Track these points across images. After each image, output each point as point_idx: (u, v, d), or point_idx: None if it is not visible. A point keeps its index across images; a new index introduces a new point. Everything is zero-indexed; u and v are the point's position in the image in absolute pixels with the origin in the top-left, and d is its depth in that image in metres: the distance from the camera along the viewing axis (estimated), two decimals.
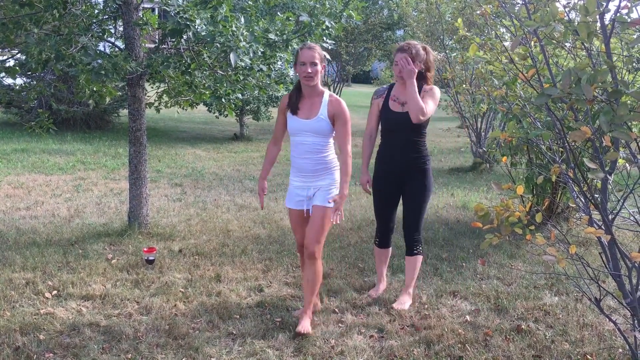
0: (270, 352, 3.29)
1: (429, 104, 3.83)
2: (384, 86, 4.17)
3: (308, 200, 3.57)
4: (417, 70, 3.80)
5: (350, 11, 5.44)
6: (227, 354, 3.27)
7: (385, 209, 4.17)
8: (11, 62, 5.77)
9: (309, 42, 3.90)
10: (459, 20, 3.65)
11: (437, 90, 3.95)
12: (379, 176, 4.13)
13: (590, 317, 3.88)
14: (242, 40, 4.64)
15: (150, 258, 4.58)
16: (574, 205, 5.70)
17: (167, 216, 6.17)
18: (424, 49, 3.93)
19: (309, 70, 3.40)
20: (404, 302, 3.99)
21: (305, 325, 3.50)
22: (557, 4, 2.37)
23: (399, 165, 4.00)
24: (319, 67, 3.43)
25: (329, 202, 3.47)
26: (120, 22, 5.38)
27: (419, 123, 3.84)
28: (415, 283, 4.22)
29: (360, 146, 13.08)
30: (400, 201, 4.15)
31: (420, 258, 4.10)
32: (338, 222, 3.45)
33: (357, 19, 5.53)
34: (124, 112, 13.40)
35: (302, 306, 3.74)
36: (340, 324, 3.69)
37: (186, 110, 6.14)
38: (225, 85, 5.37)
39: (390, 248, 4.34)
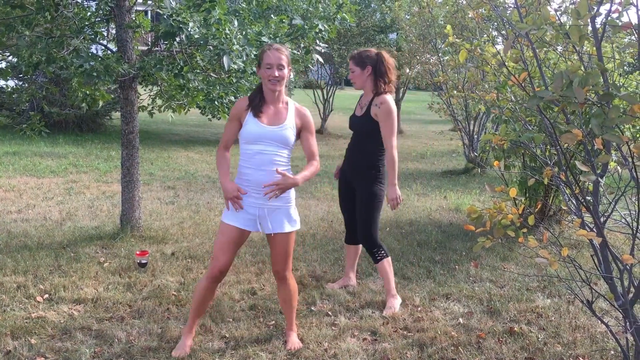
0: (264, 355, 3.28)
1: (386, 129, 3.86)
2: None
3: (260, 220, 3.20)
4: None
5: (344, 14, 5.44)
6: (220, 358, 3.26)
7: (342, 206, 4.32)
8: (2, 65, 5.75)
9: (275, 43, 3.50)
10: (448, 27, 3.66)
11: (389, 105, 3.88)
12: (339, 176, 4.31)
13: (583, 320, 3.89)
14: (235, 43, 4.63)
15: (143, 261, 4.56)
16: (566, 208, 5.71)
17: (160, 219, 6.14)
18: (377, 54, 3.99)
19: (276, 74, 3.08)
20: (392, 306, 3.98)
21: (293, 341, 3.41)
22: (549, 8, 2.39)
23: (347, 167, 4.14)
24: (286, 71, 3.13)
25: (278, 175, 3.05)
26: (112, 25, 5.36)
27: (370, 130, 3.94)
28: (394, 285, 4.13)
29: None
30: None
31: (385, 262, 4.05)
32: (268, 198, 3.08)
33: (351, 21, 5.54)
34: (117, 114, 13.37)
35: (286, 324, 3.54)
36: (333, 327, 3.69)
37: (180, 115, 6.13)
38: (218, 88, 5.36)
39: (358, 246, 4.40)
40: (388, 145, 3.87)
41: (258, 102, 3.19)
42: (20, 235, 5.36)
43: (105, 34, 5.53)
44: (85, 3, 5.43)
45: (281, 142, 3.15)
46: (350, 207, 4.22)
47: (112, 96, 6.43)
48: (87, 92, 5.28)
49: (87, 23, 5.10)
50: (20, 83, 12.23)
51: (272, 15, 5.35)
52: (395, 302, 4.01)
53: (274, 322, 3.72)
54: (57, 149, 10.85)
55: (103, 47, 5.55)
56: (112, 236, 5.34)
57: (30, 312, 3.74)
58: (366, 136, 3.99)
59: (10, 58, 5.67)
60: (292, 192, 3.25)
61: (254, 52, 4.86)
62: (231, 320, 3.74)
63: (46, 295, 4.02)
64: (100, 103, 5.47)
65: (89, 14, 5.21)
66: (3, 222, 5.81)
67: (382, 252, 4.05)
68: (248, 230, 3.22)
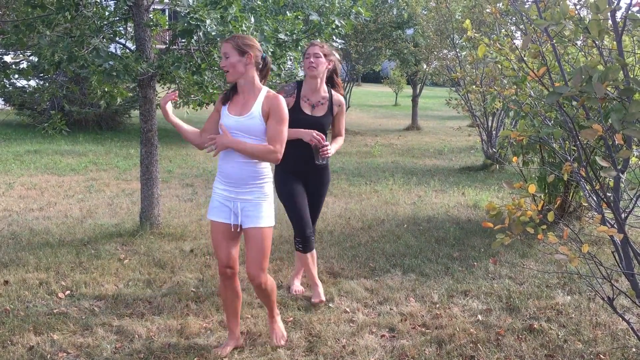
0: (282, 351, 3.30)
1: (343, 126, 4.14)
2: (291, 84, 4.01)
3: (234, 216, 3.15)
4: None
5: (359, 8, 5.43)
6: (239, 354, 3.28)
7: (303, 208, 3.97)
8: (24, 64, 5.83)
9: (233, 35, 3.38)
10: (467, 21, 3.62)
11: (344, 102, 4.13)
12: (288, 177, 3.97)
13: (603, 317, 3.85)
14: None
15: None
16: (586, 204, 5.65)
17: (179, 216, 6.20)
18: (336, 54, 4.02)
19: (223, 64, 3.10)
20: (322, 295, 4.01)
21: (278, 334, 3.41)
22: (568, 2, 2.36)
23: (305, 166, 3.92)
24: (235, 60, 3.05)
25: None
26: (131, 24, 5.41)
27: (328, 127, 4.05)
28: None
29: (354, 145, 13.05)
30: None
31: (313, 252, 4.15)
32: (211, 150, 3.06)
33: (366, 15, 5.52)
34: (135, 113, 13.48)
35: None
36: (351, 324, 3.70)
37: (197, 110, 6.17)
38: None
39: (314, 250, 4.13)
40: (343, 135, 4.18)
41: (228, 93, 3.18)
42: (42, 233, 5.44)
43: (123, 33, 5.59)
44: (104, 2, 5.49)
45: (247, 132, 3.07)
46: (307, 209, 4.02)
47: (131, 94, 6.50)
48: (107, 89, 5.33)
49: (106, 22, 5.15)
50: (41, 82, 12.40)
51: (287, 12, 5.35)
52: (321, 289, 4.09)
53: (292, 318, 3.74)
54: (78, 147, 10.98)
55: (122, 46, 5.61)
56: (131, 233, 5.40)
57: (52, 308, 3.80)
58: (326, 134, 3.97)
59: (31, 58, 5.75)
60: (268, 188, 3.17)
61: (271, 49, 4.87)
62: (249, 316, 3.76)
63: (68, 292, 4.08)
64: (119, 100, 5.52)
65: (107, 13, 5.26)
66: (25, 220, 5.90)
67: (313, 239, 4.18)
68: (227, 222, 3.16)
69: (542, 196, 6.00)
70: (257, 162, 3.12)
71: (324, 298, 4.00)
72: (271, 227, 3.19)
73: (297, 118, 3.80)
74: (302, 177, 4.00)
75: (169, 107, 3.22)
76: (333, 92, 4.03)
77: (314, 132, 3.76)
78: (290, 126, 3.43)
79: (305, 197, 4.00)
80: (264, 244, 3.14)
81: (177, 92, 3.31)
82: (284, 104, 3.09)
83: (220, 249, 3.20)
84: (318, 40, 4.11)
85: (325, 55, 3.87)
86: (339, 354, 3.31)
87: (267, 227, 3.16)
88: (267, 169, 3.18)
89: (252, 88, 3.12)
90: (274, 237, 5.45)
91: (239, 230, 3.19)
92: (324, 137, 3.82)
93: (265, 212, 3.15)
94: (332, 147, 3.93)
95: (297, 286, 4.23)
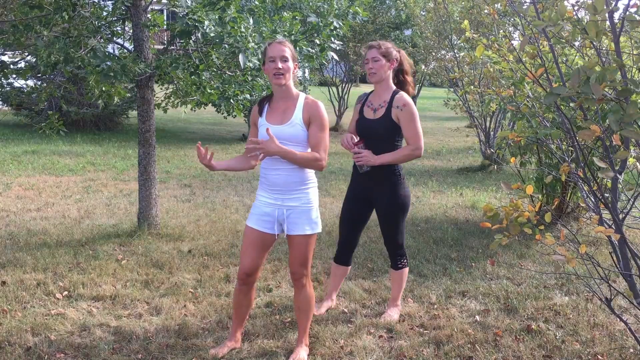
0: (280, 351, 3.30)
1: (413, 131, 3.56)
2: (367, 92, 3.85)
3: (278, 225, 3.15)
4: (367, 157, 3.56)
5: (357, 8, 5.44)
6: (237, 354, 3.28)
7: (347, 222, 3.87)
8: (21, 64, 5.83)
9: (279, 37, 3.44)
10: (465, 22, 3.62)
11: (411, 106, 3.58)
12: (351, 187, 3.88)
13: (601, 317, 3.86)
14: (251, 40, 4.64)
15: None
16: (584, 205, 5.65)
17: (177, 217, 6.19)
18: (398, 51, 3.70)
19: (280, 66, 2.97)
20: (392, 315, 3.82)
21: (299, 356, 3.23)
22: (566, 3, 2.37)
23: (361, 179, 3.74)
24: (291, 64, 3.02)
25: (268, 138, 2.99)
26: (129, 24, 5.41)
27: (393, 132, 3.61)
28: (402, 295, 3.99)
29: None
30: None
31: (404, 271, 3.85)
32: (257, 160, 3.09)
33: (364, 15, 5.53)
34: (133, 113, 13.48)
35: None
36: (349, 324, 3.70)
37: (194, 110, 6.16)
38: (233, 86, 5.39)
39: (347, 268, 3.98)
40: (418, 146, 3.60)
41: (265, 103, 3.17)
42: (40, 233, 5.43)
43: (121, 33, 5.58)
44: (102, 3, 5.49)
45: (290, 140, 3.04)
46: (358, 222, 3.86)
47: (128, 94, 6.53)
48: (104, 88, 5.33)
49: (103, 23, 5.15)
50: (39, 82, 12.39)
51: (284, 13, 5.35)
52: (396, 312, 3.86)
53: (290, 319, 3.73)
54: (75, 147, 10.97)
55: (120, 47, 5.61)
56: (129, 234, 5.39)
57: (50, 309, 3.79)
58: (385, 140, 3.62)
59: (29, 58, 5.74)
60: (313, 194, 3.17)
61: None
62: (247, 317, 3.75)
63: (65, 292, 4.07)
64: (116, 99, 5.52)
65: (105, 13, 5.26)
66: (23, 220, 5.89)
67: (405, 260, 3.84)
68: (265, 232, 3.17)
69: (540, 197, 6.01)
70: (303, 168, 3.10)
71: (323, 312, 3.90)
72: (316, 234, 3.18)
73: (357, 123, 3.72)
74: (365, 194, 3.78)
75: (213, 162, 3.17)
76: (400, 93, 3.63)
77: (346, 137, 3.59)
78: (357, 131, 3.66)
79: (355, 216, 3.84)
80: (308, 249, 3.16)
81: (207, 147, 3.15)
82: (323, 109, 3.07)
83: (247, 256, 3.20)
84: (375, 41, 3.77)
85: (384, 56, 3.61)
86: (337, 354, 3.31)
87: (313, 234, 3.16)
88: (312, 174, 3.17)
89: (291, 95, 3.10)
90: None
91: (284, 237, 3.19)
92: (351, 141, 3.56)
93: (312, 219, 3.14)
94: (384, 157, 3.55)
95: (326, 303, 4.00)
